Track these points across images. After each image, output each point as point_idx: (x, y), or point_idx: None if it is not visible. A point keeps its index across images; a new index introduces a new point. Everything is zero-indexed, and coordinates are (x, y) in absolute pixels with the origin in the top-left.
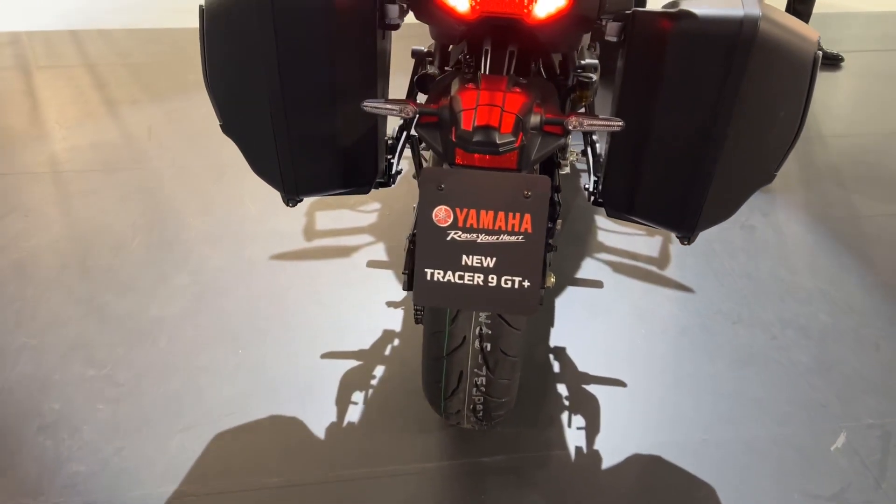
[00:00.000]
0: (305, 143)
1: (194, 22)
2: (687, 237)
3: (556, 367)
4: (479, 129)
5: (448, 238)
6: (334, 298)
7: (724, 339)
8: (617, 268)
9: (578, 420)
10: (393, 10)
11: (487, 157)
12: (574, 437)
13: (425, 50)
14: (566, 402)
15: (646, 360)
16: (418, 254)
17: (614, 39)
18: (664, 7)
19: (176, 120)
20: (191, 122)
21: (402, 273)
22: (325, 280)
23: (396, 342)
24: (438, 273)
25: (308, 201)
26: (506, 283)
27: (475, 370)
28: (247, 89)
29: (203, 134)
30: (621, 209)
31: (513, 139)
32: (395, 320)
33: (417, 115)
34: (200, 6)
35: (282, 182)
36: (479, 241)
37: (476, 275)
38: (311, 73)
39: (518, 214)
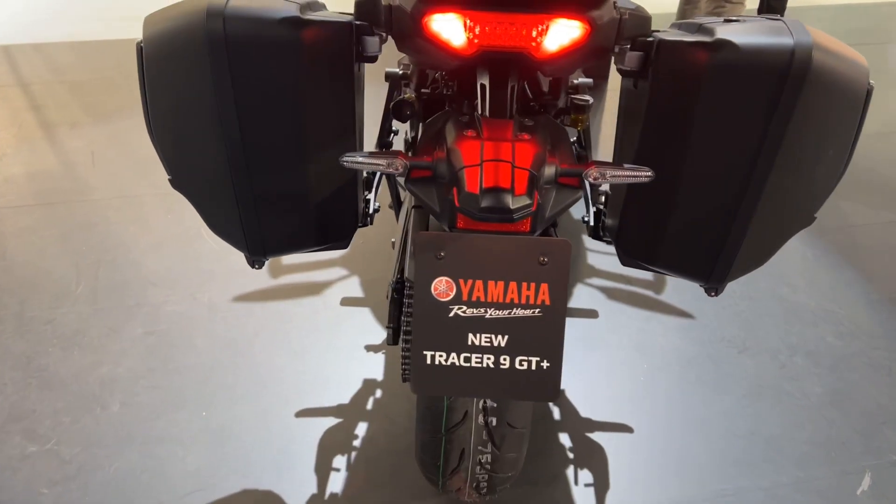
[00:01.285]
0: (272, 200)
1: (140, 33)
2: (714, 288)
3: (556, 413)
4: (487, 192)
5: (451, 315)
6: (306, 345)
7: (731, 371)
8: (610, 294)
9: (585, 475)
10: (372, 42)
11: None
12: (582, 496)
13: (400, 72)
14: (570, 455)
15: (651, 399)
16: (415, 335)
17: (627, 69)
18: (695, 34)
19: (121, 143)
20: (138, 145)
21: (387, 327)
22: (296, 324)
23: (379, 394)
24: (440, 356)
25: None
26: (521, 365)
27: (479, 447)
28: (199, 140)
29: (152, 159)
30: (640, 258)
31: (528, 202)
32: (375, 368)
33: (408, 169)
34: (138, 43)
35: (245, 243)
36: (487, 316)
37: (485, 356)
38: (277, 121)
39: (533, 285)
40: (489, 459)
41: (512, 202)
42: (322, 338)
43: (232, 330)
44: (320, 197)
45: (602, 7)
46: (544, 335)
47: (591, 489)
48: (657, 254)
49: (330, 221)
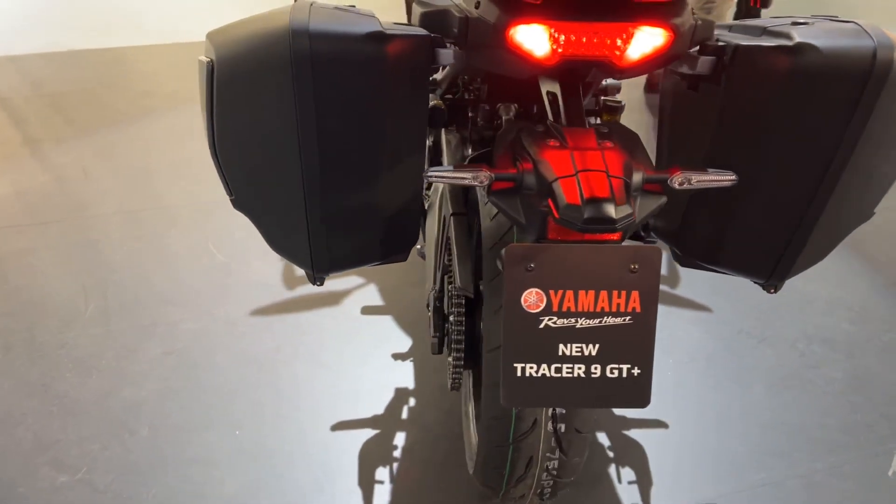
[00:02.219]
0: (343, 217)
1: (120, 41)
2: (774, 285)
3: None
4: (589, 202)
5: (541, 326)
6: (331, 356)
7: (754, 362)
8: None
9: (627, 473)
10: (446, 54)
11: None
12: (627, 494)
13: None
14: (610, 454)
15: (682, 394)
16: (506, 348)
17: (694, 74)
18: (764, 37)
19: (112, 157)
20: (130, 157)
21: (432, 337)
22: (317, 335)
23: (412, 402)
24: (531, 368)
25: None
26: (612, 373)
27: (547, 454)
28: (272, 160)
29: (148, 171)
30: (701, 258)
31: (630, 211)
32: (405, 376)
33: (492, 182)
34: (207, 61)
35: (311, 261)
36: (578, 326)
37: (576, 366)
38: (356, 137)
39: (624, 293)
40: (556, 465)
41: (615, 212)
42: (346, 348)
43: (253, 345)
44: (388, 212)
45: (683, 14)
46: (635, 342)
47: (635, 487)
48: (720, 254)
49: (394, 235)
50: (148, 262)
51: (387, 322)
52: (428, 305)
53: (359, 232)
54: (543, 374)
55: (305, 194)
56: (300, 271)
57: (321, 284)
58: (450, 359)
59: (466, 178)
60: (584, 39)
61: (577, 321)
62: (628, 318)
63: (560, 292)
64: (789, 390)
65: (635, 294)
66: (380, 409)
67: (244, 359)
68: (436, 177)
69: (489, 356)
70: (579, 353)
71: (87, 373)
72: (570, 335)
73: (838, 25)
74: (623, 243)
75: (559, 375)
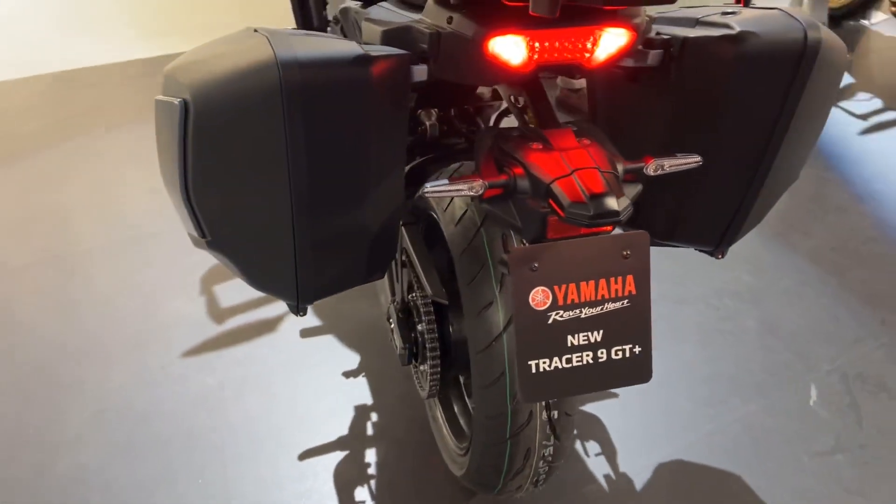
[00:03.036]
0: (330, 242)
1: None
2: (722, 251)
3: None
4: (594, 198)
5: (549, 322)
6: (280, 385)
7: (679, 323)
8: None
9: (593, 447)
10: (421, 70)
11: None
12: (598, 467)
13: None
14: (574, 432)
15: None
16: (519, 348)
17: (641, 66)
18: (701, 28)
19: None
20: (2, 208)
21: (402, 349)
22: (261, 366)
23: (376, 417)
24: (544, 363)
25: (199, 272)
26: (616, 355)
27: (543, 442)
28: (257, 193)
29: (27, 220)
30: (659, 236)
31: (628, 203)
32: (361, 392)
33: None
34: (179, 101)
35: (296, 291)
36: (582, 316)
37: (584, 354)
38: (345, 161)
39: (620, 278)
40: (551, 451)
41: (618, 205)
42: (294, 374)
43: (195, 387)
44: (373, 230)
45: (641, 12)
46: (634, 323)
47: (602, 458)
48: (676, 229)
49: (376, 253)
50: (54, 317)
51: (329, 341)
52: (389, 318)
53: (346, 254)
54: (556, 367)
55: (294, 222)
56: (227, 302)
57: (304, 314)
58: (423, 367)
59: (463, 189)
60: (557, 44)
61: (581, 311)
62: (626, 301)
63: (564, 287)
64: (714, 343)
65: (630, 278)
66: (344, 430)
67: (189, 402)
68: (434, 191)
69: (479, 357)
70: (586, 342)
71: (8, 453)
72: (577, 325)
73: (765, 12)
74: (612, 232)
75: (570, 365)
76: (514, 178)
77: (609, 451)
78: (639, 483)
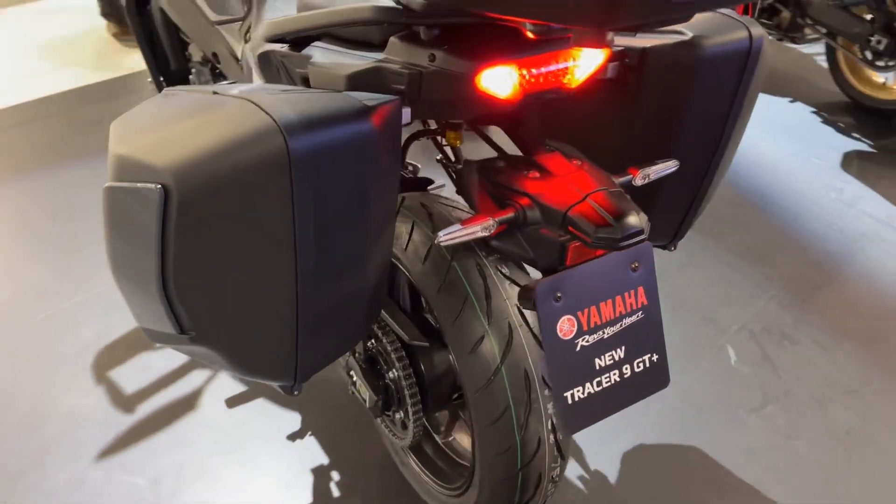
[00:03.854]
0: (333, 311)
1: None
2: (674, 244)
3: None
4: (618, 220)
5: (577, 349)
6: (220, 467)
7: None
8: None
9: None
10: (406, 113)
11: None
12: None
13: None
14: None
15: None
16: (554, 381)
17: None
18: (660, 35)
19: None
20: None
21: (372, 402)
22: (192, 451)
23: (338, 476)
24: (578, 392)
25: (85, 358)
26: (638, 367)
27: (552, 465)
28: (251, 277)
29: None
30: None
31: (646, 219)
32: (313, 452)
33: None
34: (154, 187)
35: (295, 369)
36: (605, 336)
37: (612, 373)
38: (349, 224)
39: (632, 291)
40: (558, 472)
41: (640, 221)
42: (233, 452)
43: (128, 492)
44: (370, 288)
45: None
46: (649, 332)
47: (581, 451)
48: None
49: (371, 309)
50: None
51: (260, 405)
52: (350, 371)
53: (346, 319)
54: (589, 393)
55: (299, 298)
56: (130, 387)
57: (299, 393)
58: (399, 415)
59: (477, 230)
60: (543, 70)
61: (604, 332)
62: (640, 313)
63: (586, 311)
64: None
65: (640, 289)
66: (308, 499)
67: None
68: (450, 238)
69: (479, 395)
70: (612, 361)
71: None
72: (602, 347)
73: (707, 16)
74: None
75: (601, 388)
76: (523, 210)
77: (573, 450)
78: (610, 475)
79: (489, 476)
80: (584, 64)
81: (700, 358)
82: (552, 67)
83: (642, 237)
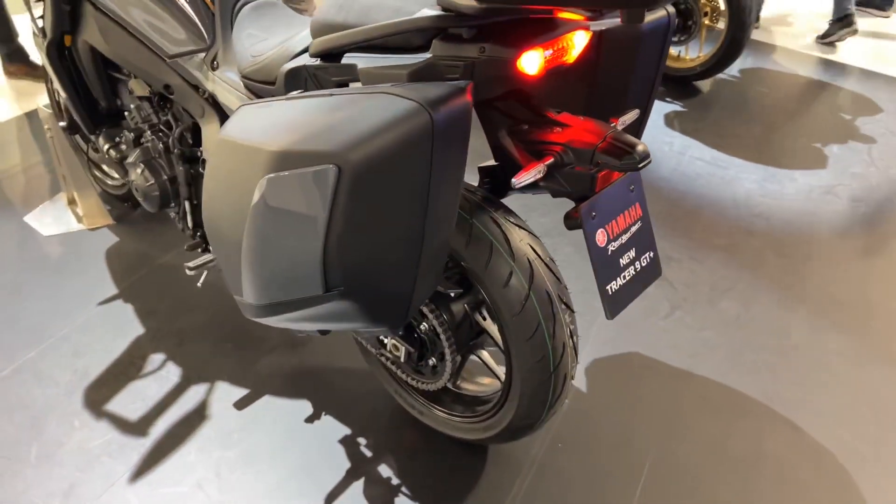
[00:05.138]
0: (435, 256)
1: None
2: None
3: None
4: (634, 148)
5: (609, 253)
6: (269, 457)
7: None
8: None
9: None
10: None
11: (613, 173)
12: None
13: None
14: None
15: None
16: (599, 278)
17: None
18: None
19: None
20: None
21: (407, 354)
22: (235, 448)
23: (370, 440)
24: (614, 284)
25: (73, 398)
26: (644, 262)
27: (572, 365)
28: (393, 232)
29: None
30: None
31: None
32: (335, 429)
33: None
34: (330, 168)
35: (406, 314)
36: (623, 241)
37: (630, 268)
38: (456, 177)
39: (632, 206)
40: (574, 370)
41: (646, 149)
42: (262, 444)
43: (183, 499)
44: (447, 237)
45: None
46: (646, 236)
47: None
48: None
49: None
50: None
51: (266, 401)
52: (380, 337)
53: (437, 265)
54: (620, 285)
55: (423, 246)
56: (133, 416)
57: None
58: (431, 361)
59: (538, 173)
60: (557, 49)
61: (623, 238)
62: (639, 222)
63: (612, 223)
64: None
65: (637, 204)
66: (344, 468)
67: None
68: (522, 181)
69: (515, 319)
70: (629, 259)
71: None
72: (622, 249)
73: None
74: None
75: (625, 280)
76: (560, 154)
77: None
78: (575, 383)
79: (528, 384)
80: (578, 43)
81: (586, 321)
82: (561, 47)
83: (649, 160)
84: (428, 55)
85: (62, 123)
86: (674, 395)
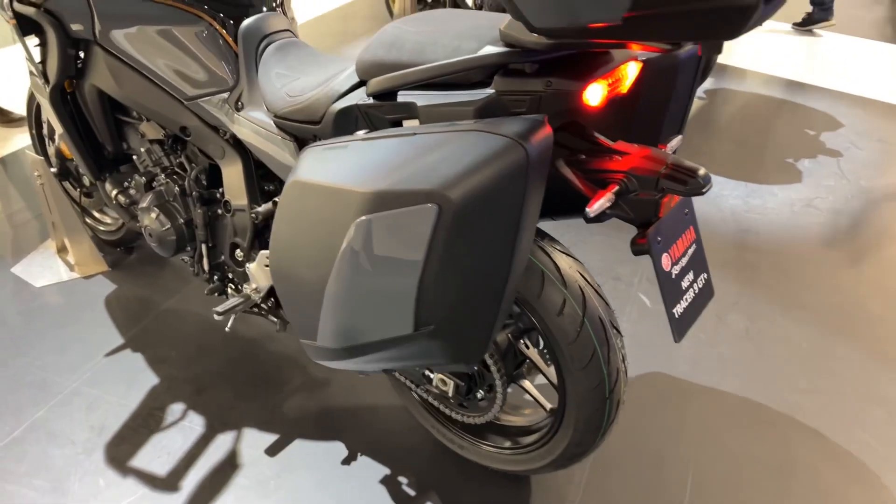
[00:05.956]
0: (511, 295)
1: None
2: None
3: None
4: (697, 173)
5: (673, 276)
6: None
7: None
8: None
9: None
10: None
11: (673, 198)
12: None
13: None
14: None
15: None
16: (667, 302)
17: None
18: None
19: None
20: None
21: (456, 389)
22: (277, 494)
23: (403, 480)
24: (679, 307)
25: (93, 447)
26: (699, 284)
27: (623, 388)
28: (484, 267)
29: None
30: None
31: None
32: (371, 466)
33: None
34: (432, 207)
35: (486, 349)
36: (683, 264)
37: (690, 290)
38: (535, 212)
39: (687, 230)
40: (625, 393)
41: (707, 173)
42: (303, 485)
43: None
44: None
45: None
46: (699, 258)
47: None
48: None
49: None
50: None
51: (299, 445)
52: (424, 373)
53: (511, 301)
54: (683, 307)
55: (508, 280)
56: (162, 471)
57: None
58: (479, 394)
59: (607, 202)
60: (614, 81)
61: (682, 261)
62: (694, 244)
63: (672, 248)
64: None
65: (691, 228)
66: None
67: None
68: (596, 210)
69: (571, 346)
70: (689, 282)
71: None
72: (683, 272)
73: None
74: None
75: (687, 303)
76: (625, 182)
77: None
78: None
79: (583, 411)
80: (630, 74)
81: (625, 308)
82: (617, 77)
83: (711, 184)
84: (490, 91)
85: (53, 169)
86: (702, 411)
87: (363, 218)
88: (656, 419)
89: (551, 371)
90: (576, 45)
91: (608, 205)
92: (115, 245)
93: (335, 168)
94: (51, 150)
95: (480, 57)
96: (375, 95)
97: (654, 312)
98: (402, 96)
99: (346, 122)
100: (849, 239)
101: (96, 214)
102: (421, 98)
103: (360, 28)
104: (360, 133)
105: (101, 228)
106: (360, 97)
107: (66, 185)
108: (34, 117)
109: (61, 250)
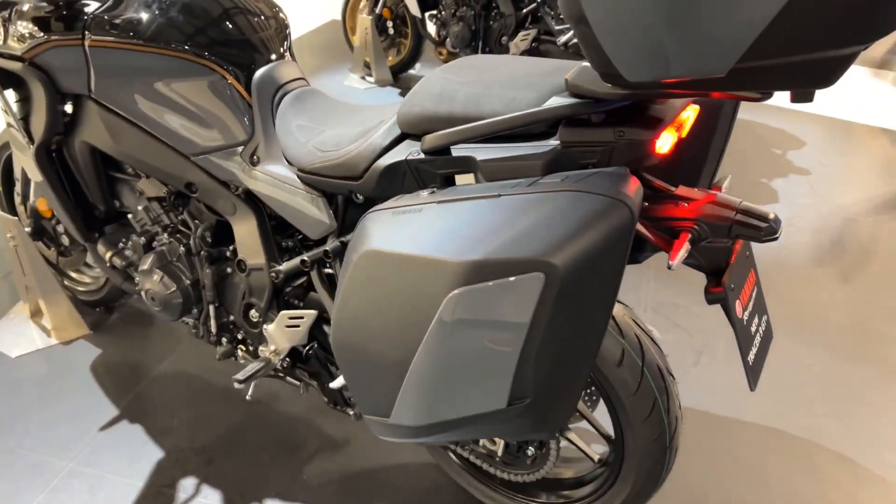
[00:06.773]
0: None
1: None
2: None
3: None
4: (766, 219)
5: (746, 321)
6: None
7: None
8: None
9: None
10: None
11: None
12: None
13: None
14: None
15: None
16: (742, 349)
17: None
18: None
19: None
20: None
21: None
22: None
23: None
24: (751, 354)
25: None
26: (762, 327)
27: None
28: (584, 335)
29: None
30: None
31: None
32: None
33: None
34: (539, 275)
35: (570, 415)
36: (750, 309)
37: (757, 335)
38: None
39: (751, 272)
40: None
41: (776, 216)
42: None
43: None
44: None
45: None
46: (760, 300)
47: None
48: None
49: None
50: None
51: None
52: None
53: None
54: (755, 353)
55: (598, 343)
56: None
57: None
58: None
59: (688, 250)
60: (678, 127)
61: (749, 305)
62: (756, 287)
63: (742, 293)
64: None
65: (752, 271)
66: None
67: None
68: (677, 263)
69: (633, 398)
70: (755, 326)
71: None
72: (751, 318)
73: None
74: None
75: (756, 348)
76: (696, 231)
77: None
78: None
79: (644, 463)
80: (689, 118)
81: None
82: (680, 123)
83: (781, 227)
84: (554, 143)
85: (27, 229)
86: (732, 441)
87: (460, 290)
88: (690, 451)
89: (594, 417)
90: (653, 95)
91: (686, 255)
92: (96, 305)
93: (414, 236)
94: (21, 209)
95: (550, 109)
96: (429, 151)
97: (663, 343)
98: (458, 150)
99: (394, 178)
100: (836, 257)
101: (73, 274)
102: (479, 152)
103: (317, 61)
104: (424, 193)
105: (80, 289)
106: (406, 152)
107: (39, 244)
108: (2, 173)
109: (35, 314)
